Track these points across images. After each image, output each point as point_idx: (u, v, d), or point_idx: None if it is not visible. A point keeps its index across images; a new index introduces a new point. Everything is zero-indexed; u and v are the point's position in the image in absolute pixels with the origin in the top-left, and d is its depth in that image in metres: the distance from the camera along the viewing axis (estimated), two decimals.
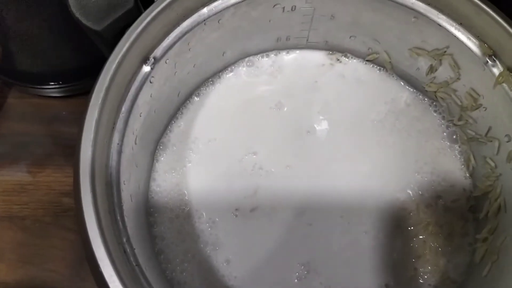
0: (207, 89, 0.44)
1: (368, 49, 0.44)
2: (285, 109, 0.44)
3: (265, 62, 0.45)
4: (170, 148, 0.41)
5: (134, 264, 0.30)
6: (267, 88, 0.44)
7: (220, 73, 0.44)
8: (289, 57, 0.45)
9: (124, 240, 0.30)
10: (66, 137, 0.48)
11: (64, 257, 0.44)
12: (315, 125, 0.43)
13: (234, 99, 0.44)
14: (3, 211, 0.45)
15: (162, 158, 0.41)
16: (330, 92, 0.44)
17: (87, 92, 0.48)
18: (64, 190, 0.46)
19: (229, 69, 0.44)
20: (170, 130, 0.42)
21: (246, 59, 0.45)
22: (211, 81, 0.44)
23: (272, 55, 0.45)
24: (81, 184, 0.28)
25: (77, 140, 0.30)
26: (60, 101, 0.50)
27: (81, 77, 0.48)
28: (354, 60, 0.45)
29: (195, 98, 0.43)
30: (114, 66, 0.31)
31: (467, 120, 0.41)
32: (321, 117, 0.43)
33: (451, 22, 0.37)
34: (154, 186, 0.40)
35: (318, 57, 0.45)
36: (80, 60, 0.47)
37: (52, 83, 0.48)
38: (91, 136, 0.30)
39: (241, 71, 0.44)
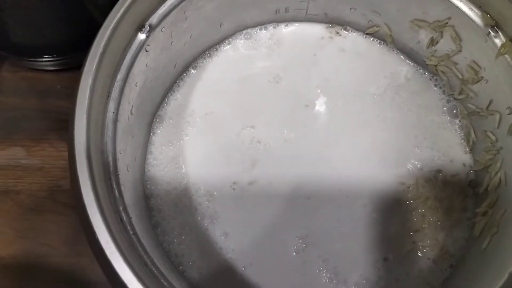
0: (204, 61, 0.43)
1: (368, 22, 0.43)
2: (284, 82, 0.43)
3: (263, 34, 0.44)
4: (167, 121, 0.41)
5: (131, 232, 0.29)
6: (265, 61, 0.43)
7: (218, 46, 0.43)
8: (288, 30, 0.44)
9: (121, 208, 0.30)
10: (60, 111, 0.47)
11: (59, 231, 0.43)
12: (314, 99, 0.42)
13: (232, 72, 0.43)
14: None
15: (159, 131, 0.40)
16: (329, 65, 0.44)
17: (81, 65, 0.48)
18: (59, 165, 0.45)
19: (226, 41, 0.43)
20: (166, 102, 0.41)
21: (244, 31, 0.44)
22: (208, 53, 0.43)
23: (271, 28, 0.44)
24: (76, 151, 0.28)
25: (71, 107, 0.29)
26: (54, 75, 0.49)
27: (75, 50, 0.47)
28: (354, 34, 0.44)
29: (192, 70, 0.42)
30: (108, 32, 0.31)
31: (468, 94, 0.40)
32: (320, 91, 0.43)
33: None
34: (150, 159, 0.39)
35: (317, 30, 0.45)
36: (74, 32, 0.46)
37: (46, 56, 0.47)
38: (85, 103, 0.29)
39: (239, 43, 0.44)
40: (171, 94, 0.42)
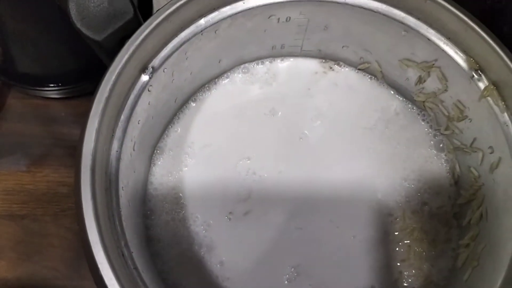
0: (203, 95, 0.45)
1: (360, 59, 0.45)
2: (279, 115, 0.45)
3: (260, 69, 0.46)
4: (167, 153, 0.43)
5: (132, 267, 0.31)
6: (261, 95, 0.45)
7: (216, 80, 0.45)
8: (284, 65, 0.47)
9: (123, 244, 0.32)
10: (65, 138, 0.50)
11: (63, 255, 0.45)
12: (307, 132, 0.44)
13: (230, 105, 0.45)
14: (3, 209, 0.46)
15: (159, 162, 0.42)
16: (322, 99, 0.46)
17: (86, 93, 0.50)
18: (63, 190, 0.47)
19: (225, 75, 0.46)
20: (167, 134, 0.43)
21: (242, 66, 0.46)
22: (207, 87, 0.45)
23: (267, 62, 0.46)
24: (82, 192, 0.30)
25: (77, 149, 0.31)
26: (59, 102, 0.51)
27: (80, 80, 0.49)
28: (346, 69, 0.47)
29: (192, 103, 0.44)
30: (114, 76, 0.33)
31: (453, 130, 0.42)
32: (313, 124, 0.45)
33: (439, 36, 0.39)
34: (151, 189, 0.41)
35: (311, 65, 0.47)
36: (79, 63, 0.48)
37: (52, 85, 0.49)
38: (92, 145, 0.31)
39: (237, 77, 0.46)
40: (171, 126, 0.44)
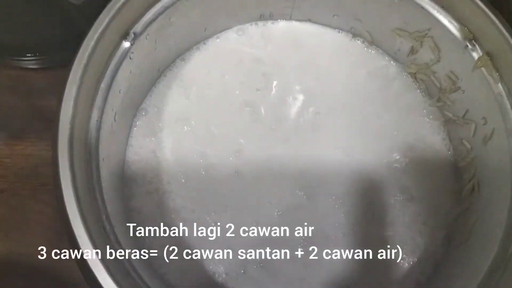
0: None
1: (351, 29, 0.44)
2: (271, 77, 0.43)
3: (253, 29, 0.44)
4: (150, 115, 0.41)
5: (114, 242, 0.30)
6: (252, 57, 0.43)
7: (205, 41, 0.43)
8: (277, 26, 0.44)
9: (104, 217, 0.30)
10: (44, 110, 0.47)
11: (42, 231, 0.43)
12: (300, 95, 0.43)
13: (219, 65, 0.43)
14: None
15: (139, 122, 0.40)
16: (316, 63, 0.44)
17: (65, 64, 0.48)
18: (42, 163, 0.45)
19: (215, 36, 0.43)
20: (149, 94, 0.41)
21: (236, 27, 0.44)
22: (197, 47, 0.43)
23: (261, 24, 0.44)
24: (59, 163, 0.28)
25: (55, 118, 0.30)
26: (38, 73, 0.49)
27: (58, 49, 0.47)
28: (340, 34, 0.45)
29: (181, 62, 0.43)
30: (92, 42, 0.31)
31: (445, 102, 0.41)
32: (306, 87, 0.43)
33: (433, 4, 0.37)
34: (131, 153, 0.40)
35: (304, 27, 0.45)
36: (56, 30, 0.46)
37: (29, 55, 0.47)
38: (69, 114, 0.29)
39: (231, 37, 0.44)
40: (156, 87, 0.42)
